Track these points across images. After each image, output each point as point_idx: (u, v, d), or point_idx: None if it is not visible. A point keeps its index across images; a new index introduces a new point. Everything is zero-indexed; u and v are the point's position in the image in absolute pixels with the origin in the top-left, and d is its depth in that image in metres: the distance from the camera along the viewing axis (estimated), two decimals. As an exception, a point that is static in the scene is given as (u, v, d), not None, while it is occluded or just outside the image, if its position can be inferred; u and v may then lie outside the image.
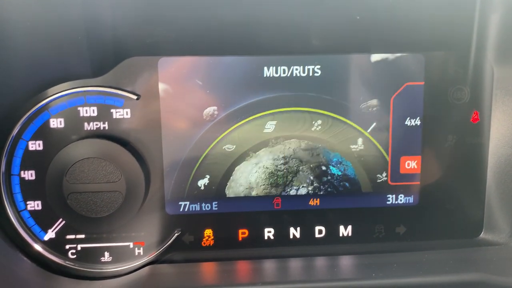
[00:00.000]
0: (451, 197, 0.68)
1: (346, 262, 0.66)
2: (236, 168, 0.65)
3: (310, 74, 0.64)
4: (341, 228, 0.68)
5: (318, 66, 0.64)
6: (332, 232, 0.68)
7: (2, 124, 0.61)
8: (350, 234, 0.68)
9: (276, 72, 0.64)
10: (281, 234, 0.68)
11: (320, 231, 0.68)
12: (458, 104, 0.66)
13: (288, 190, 0.67)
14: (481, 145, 0.67)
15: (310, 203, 0.67)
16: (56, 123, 0.62)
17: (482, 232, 0.69)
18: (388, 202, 0.68)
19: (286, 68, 0.64)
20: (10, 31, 0.57)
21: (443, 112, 0.66)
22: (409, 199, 0.68)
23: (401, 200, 0.68)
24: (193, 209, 0.66)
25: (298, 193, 0.67)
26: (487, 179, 0.68)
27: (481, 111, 0.66)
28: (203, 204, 0.66)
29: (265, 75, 0.63)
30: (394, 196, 0.68)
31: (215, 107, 0.63)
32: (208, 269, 0.65)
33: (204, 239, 0.67)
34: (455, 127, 0.66)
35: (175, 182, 0.65)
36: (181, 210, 0.66)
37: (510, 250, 0.66)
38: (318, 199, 0.67)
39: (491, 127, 0.67)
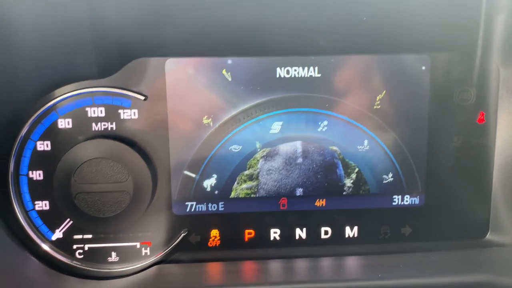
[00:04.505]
0: (457, 198, 0.68)
1: (352, 262, 0.66)
2: (242, 169, 0.66)
3: (316, 75, 0.64)
4: (347, 229, 0.68)
5: (324, 67, 0.64)
6: (338, 233, 0.68)
7: (11, 124, 0.62)
8: (356, 235, 0.68)
9: (282, 73, 0.64)
10: (287, 234, 0.68)
11: (326, 232, 0.68)
12: (464, 105, 0.66)
13: (294, 191, 0.67)
14: (487, 146, 0.67)
15: (316, 204, 0.67)
16: (64, 123, 0.62)
17: (488, 233, 0.69)
18: (394, 203, 0.68)
19: (292, 69, 0.64)
20: (18, 33, 0.57)
21: (449, 113, 0.66)
22: (415, 200, 0.68)
23: (407, 201, 0.68)
24: (200, 209, 0.66)
25: (304, 194, 0.67)
26: (493, 180, 0.68)
27: (487, 112, 0.66)
28: (210, 205, 0.66)
29: (271, 76, 0.64)
30: (400, 197, 0.68)
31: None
32: (214, 269, 0.65)
33: (210, 240, 0.67)
34: (461, 128, 0.66)
35: (182, 183, 0.65)
36: (187, 210, 0.66)
37: (516, 251, 0.67)
38: (324, 200, 0.67)
39: (497, 128, 0.67)
